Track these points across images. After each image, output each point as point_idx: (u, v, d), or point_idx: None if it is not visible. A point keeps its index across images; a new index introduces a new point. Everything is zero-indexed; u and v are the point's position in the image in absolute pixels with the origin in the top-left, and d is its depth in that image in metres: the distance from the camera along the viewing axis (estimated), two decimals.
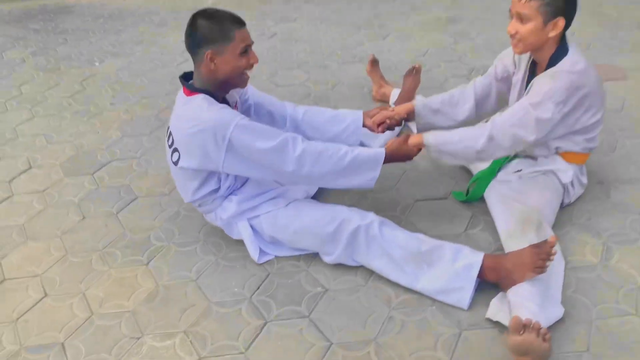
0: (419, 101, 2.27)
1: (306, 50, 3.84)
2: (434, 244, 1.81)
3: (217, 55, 1.75)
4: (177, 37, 4.22)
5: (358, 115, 2.18)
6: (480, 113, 2.19)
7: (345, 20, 4.36)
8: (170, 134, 1.91)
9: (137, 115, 3.13)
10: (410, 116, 2.21)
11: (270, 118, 2.15)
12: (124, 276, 1.97)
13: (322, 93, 3.22)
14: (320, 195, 2.26)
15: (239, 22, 1.79)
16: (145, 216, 2.29)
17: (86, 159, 2.73)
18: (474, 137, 1.88)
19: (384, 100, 3.02)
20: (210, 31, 1.74)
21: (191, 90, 1.83)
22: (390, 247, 1.80)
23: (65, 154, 2.78)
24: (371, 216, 1.87)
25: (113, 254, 2.09)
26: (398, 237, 1.82)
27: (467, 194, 2.19)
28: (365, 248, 1.83)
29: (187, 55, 4.03)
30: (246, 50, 1.80)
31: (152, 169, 2.61)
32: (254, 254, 1.98)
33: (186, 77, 1.91)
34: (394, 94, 2.93)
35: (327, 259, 1.92)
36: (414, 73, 2.79)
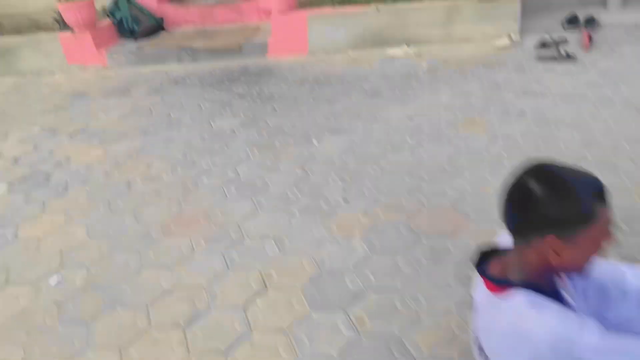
0: None
1: (576, 139, 3.05)
2: None
3: (565, 243, 1.07)
4: (399, 112, 3.68)
5: None
6: None
7: (615, 96, 3.51)
8: (481, 348, 1.25)
9: (380, 220, 2.57)
10: None
11: (601, 294, 1.39)
12: None
13: (632, 210, 2.39)
14: None
15: (602, 194, 1.07)
16: None
17: (332, 283, 2.19)
18: None
19: None
20: (559, 211, 1.05)
21: (502, 284, 1.17)
22: None
23: (305, 272, 2.28)
24: None
25: None
26: None
27: None
28: None
29: (420, 138, 3.41)
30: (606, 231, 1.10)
31: (424, 312, 1.98)
32: None
33: (484, 256, 1.27)
34: None
35: None
36: None
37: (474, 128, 3.34)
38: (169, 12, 5.92)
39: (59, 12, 5.45)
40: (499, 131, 3.25)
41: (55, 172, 3.45)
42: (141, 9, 5.64)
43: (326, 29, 5.00)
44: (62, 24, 5.54)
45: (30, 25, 5.92)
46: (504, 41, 4.60)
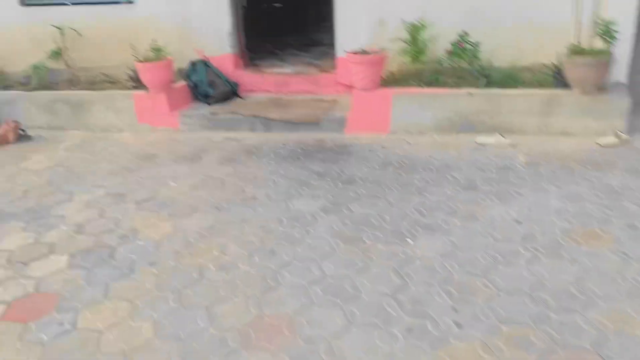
0: None
1: None
2: None
3: None
4: (502, 211, 3.29)
5: None
6: None
7: None
8: None
9: (505, 357, 2.13)
10: None
11: None
12: None
13: None
14: None
15: None
16: None
17: None
18: None
19: None
20: None
21: None
22: None
23: None
24: None
25: None
26: None
27: None
28: None
29: (534, 249, 2.95)
30: None
31: None
32: None
33: None
34: None
35: None
36: None
37: (597, 243, 2.90)
38: (244, 78, 5.82)
39: (134, 69, 5.42)
40: (629, 250, 2.80)
41: (121, 247, 3.18)
42: (218, 74, 5.56)
43: (411, 108, 4.74)
44: (137, 82, 5.51)
45: (103, 80, 5.93)
46: (610, 139, 4.20)
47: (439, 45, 4.99)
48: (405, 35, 5.04)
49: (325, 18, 8.96)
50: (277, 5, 9.16)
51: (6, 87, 5.94)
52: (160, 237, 3.28)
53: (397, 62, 5.06)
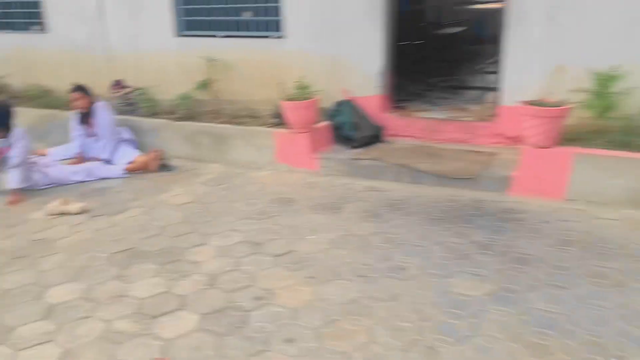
0: None
1: None
2: None
3: None
4: None
5: None
6: None
7: None
8: None
9: None
10: None
11: None
12: None
13: None
14: None
15: None
16: None
17: None
18: None
19: None
20: None
21: None
22: None
23: None
24: None
25: None
26: None
27: None
28: None
29: None
30: None
31: None
32: None
33: None
34: None
35: None
36: None
37: None
38: (390, 121, 5.39)
39: (278, 105, 5.24)
40: None
41: (255, 312, 2.82)
42: (363, 116, 5.20)
43: (596, 173, 3.96)
44: (279, 119, 5.31)
45: (246, 115, 5.85)
46: None
47: (635, 100, 4.18)
48: (589, 85, 4.30)
49: (471, 58, 8.38)
50: (418, 42, 8.78)
51: (154, 115, 6.10)
52: (299, 304, 2.88)
53: (576, 116, 4.32)
